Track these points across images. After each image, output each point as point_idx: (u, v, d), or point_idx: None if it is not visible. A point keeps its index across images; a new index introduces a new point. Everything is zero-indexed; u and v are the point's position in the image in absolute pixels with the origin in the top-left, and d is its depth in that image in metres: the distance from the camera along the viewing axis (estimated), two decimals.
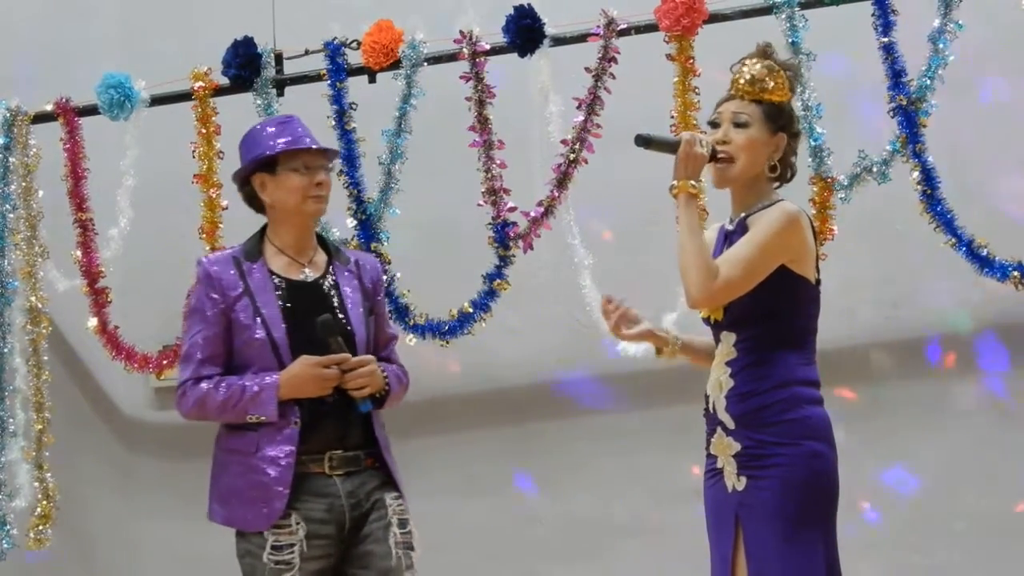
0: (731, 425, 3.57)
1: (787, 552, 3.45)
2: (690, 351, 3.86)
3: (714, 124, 3.68)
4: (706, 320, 3.68)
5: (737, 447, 3.56)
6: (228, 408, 3.91)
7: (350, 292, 4.05)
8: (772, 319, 3.55)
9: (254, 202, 4.10)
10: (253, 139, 4.08)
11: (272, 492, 3.86)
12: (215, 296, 3.97)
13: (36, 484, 5.97)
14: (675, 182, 3.57)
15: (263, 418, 3.87)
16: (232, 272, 3.98)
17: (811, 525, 3.46)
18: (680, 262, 3.53)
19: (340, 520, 3.92)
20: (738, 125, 3.62)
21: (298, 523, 3.86)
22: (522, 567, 5.82)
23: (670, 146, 3.61)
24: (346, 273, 4.07)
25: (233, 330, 3.96)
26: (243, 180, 4.09)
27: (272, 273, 3.99)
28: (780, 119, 3.64)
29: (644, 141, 3.63)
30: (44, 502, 5.97)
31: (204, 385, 3.94)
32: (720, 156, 3.61)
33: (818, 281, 3.63)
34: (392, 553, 3.94)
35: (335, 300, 4.01)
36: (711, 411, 3.64)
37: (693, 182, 3.55)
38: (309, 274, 4.03)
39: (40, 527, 5.96)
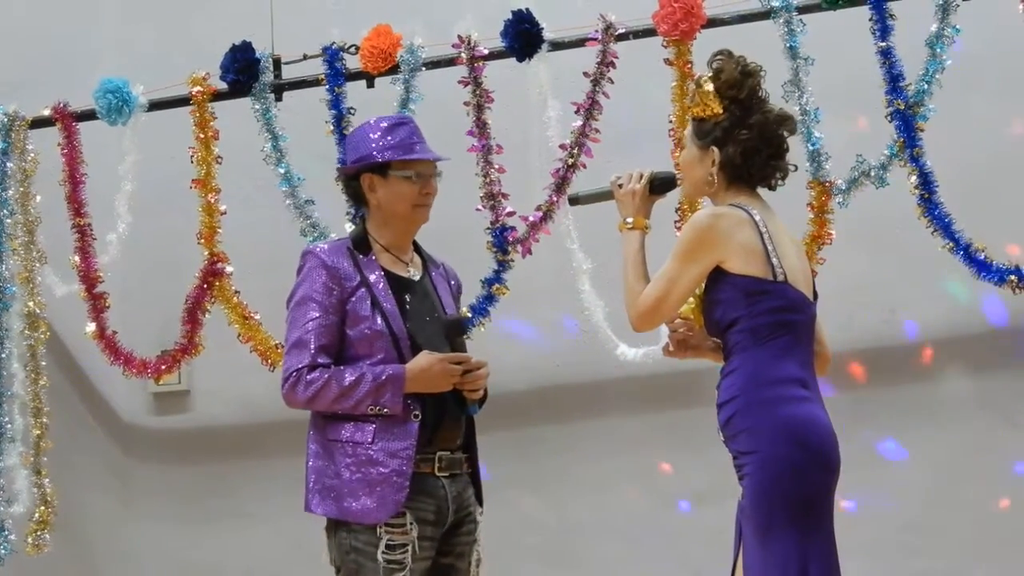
0: (721, 437, 3.60)
1: (761, 557, 3.47)
2: None
3: None
4: None
5: (731, 457, 3.59)
6: (348, 397, 3.82)
7: (444, 294, 4.09)
8: (732, 325, 3.57)
9: (357, 197, 4.07)
10: (364, 137, 4.02)
11: (392, 484, 3.81)
12: (333, 286, 3.91)
13: (34, 489, 5.96)
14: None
15: (385, 410, 3.84)
16: (348, 263, 3.95)
17: (779, 531, 3.45)
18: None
19: (443, 522, 3.92)
20: (683, 149, 3.80)
21: (411, 523, 3.83)
22: (519, 572, 5.82)
23: (602, 196, 3.89)
24: (438, 275, 4.11)
25: (348, 321, 3.90)
26: (350, 175, 4.05)
27: (382, 268, 3.99)
28: (706, 134, 3.67)
29: (573, 200, 4.06)
30: (42, 507, 5.96)
31: (322, 372, 3.85)
32: (673, 180, 3.82)
33: (778, 274, 3.56)
34: (471, 572, 3.98)
35: (436, 301, 4.04)
36: None
37: (629, 219, 3.76)
38: (413, 272, 4.04)
39: (38, 532, 5.95)
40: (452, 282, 4.17)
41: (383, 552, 3.81)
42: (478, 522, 4.00)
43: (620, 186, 3.80)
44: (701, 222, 3.59)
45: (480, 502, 4.03)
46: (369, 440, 3.84)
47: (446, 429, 3.94)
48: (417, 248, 4.12)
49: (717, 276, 3.58)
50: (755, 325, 3.54)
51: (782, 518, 3.46)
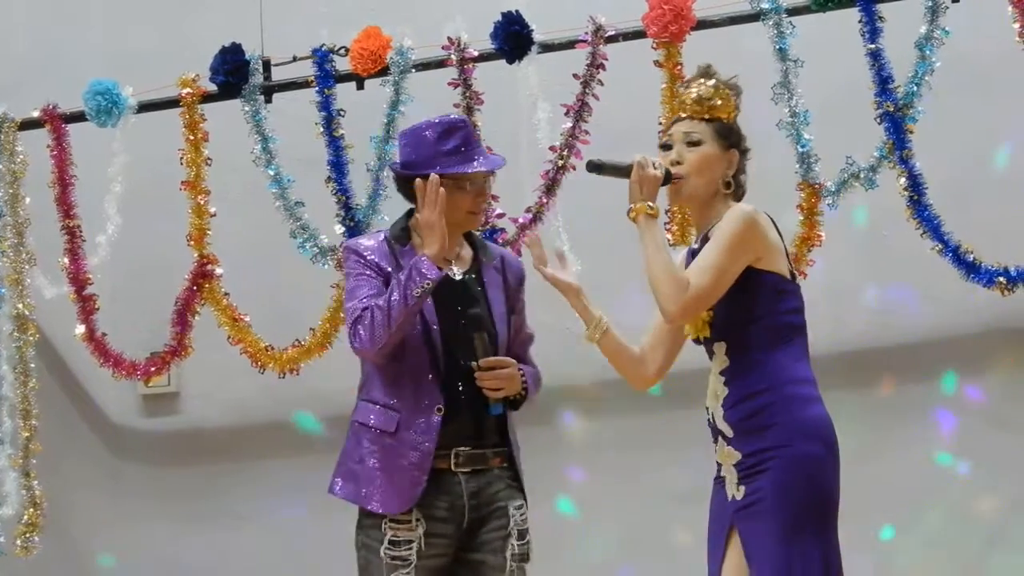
0: (729, 434, 3.57)
1: (783, 556, 3.45)
2: (610, 345, 3.84)
3: (665, 147, 3.70)
4: (696, 340, 3.69)
5: (737, 456, 3.56)
6: (391, 305, 3.74)
7: (494, 290, 4.02)
8: (754, 321, 3.56)
9: (409, 195, 3.96)
10: (421, 140, 3.94)
11: (410, 477, 3.80)
12: (371, 272, 3.88)
13: (23, 492, 5.95)
14: (632, 205, 3.61)
15: (430, 284, 3.73)
16: (386, 253, 3.92)
17: (806, 529, 3.46)
18: (650, 281, 3.56)
19: (460, 520, 3.88)
20: (691, 144, 3.65)
21: (418, 520, 3.81)
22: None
23: (622, 170, 3.66)
24: (492, 271, 4.04)
25: None
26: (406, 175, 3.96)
27: None
28: (730, 136, 3.66)
29: (595, 167, 3.69)
30: (31, 510, 5.95)
31: (362, 311, 3.79)
32: (675, 176, 3.65)
33: (794, 276, 3.62)
34: (507, 567, 3.90)
35: (480, 298, 3.97)
36: (712, 421, 3.64)
37: (649, 203, 3.59)
38: (456, 270, 3.98)
39: (27, 535, 5.94)
40: (511, 276, 4.09)
41: (386, 548, 3.80)
42: (512, 516, 3.94)
43: (643, 168, 3.63)
44: (747, 216, 3.54)
45: (521, 495, 3.97)
46: (392, 429, 3.83)
47: (460, 424, 3.88)
48: (470, 240, 4.07)
49: (742, 271, 3.56)
50: (778, 323, 3.55)
51: (812, 515, 3.47)
